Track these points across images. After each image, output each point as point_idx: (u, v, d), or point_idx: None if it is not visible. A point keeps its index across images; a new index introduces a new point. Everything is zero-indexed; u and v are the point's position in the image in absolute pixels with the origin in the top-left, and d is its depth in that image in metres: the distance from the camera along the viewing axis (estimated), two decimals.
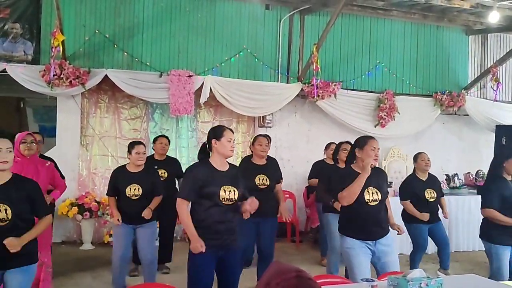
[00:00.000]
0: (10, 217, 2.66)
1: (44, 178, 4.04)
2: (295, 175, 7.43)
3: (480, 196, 5.40)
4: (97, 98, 6.95)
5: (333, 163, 5.28)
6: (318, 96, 7.23)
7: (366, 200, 3.37)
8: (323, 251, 5.89)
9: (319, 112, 7.63)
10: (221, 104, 7.04)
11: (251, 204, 3.16)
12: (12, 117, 9.54)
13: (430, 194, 5.05)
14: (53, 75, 6.06)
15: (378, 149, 3.45)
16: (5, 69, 6.08)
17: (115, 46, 6.74)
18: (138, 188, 4.30)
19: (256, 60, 7.36)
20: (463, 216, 6.76)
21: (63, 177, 4.68)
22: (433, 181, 5.22)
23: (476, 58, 8.72)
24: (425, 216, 4.99)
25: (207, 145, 3.19)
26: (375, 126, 7.75)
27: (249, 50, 7.32)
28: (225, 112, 7.38)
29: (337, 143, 5.30)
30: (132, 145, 4.42)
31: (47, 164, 4.22)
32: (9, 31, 6.35)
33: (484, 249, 4.44)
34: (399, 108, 7.76)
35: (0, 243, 2.64)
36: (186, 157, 7.35)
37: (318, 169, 5.99)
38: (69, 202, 6.31)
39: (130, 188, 4.29)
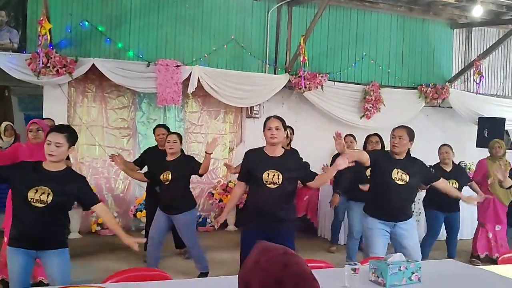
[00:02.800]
0: (49, 202, 2.80)
1: None
2: None
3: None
4: (84, 87, 6.93)
5: None
6: (305, 87, 7.30)
7: (393, 178, 3.64)
8: (333, 239, 6.23)
9: (306, 103, 7.70)
10: (209, 94, 7.07)
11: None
12: None
13: (451, 184, 5.20)
14: (40, 63, 6.01)
15: (400, 137, 3.69)
16: None
17: (102, 35, 6.72)
18: (169, 175, 4.51)
19: (244, 50, 7.39)
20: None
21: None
22: (457, 173, 5.43)
23: (460, 52, 8.87)
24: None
25: None
26: (360, 118, 7.86)
27: (237, 41, 7.35)
28: (213, 103, 7.42)
29: (353, 134, 5.93)
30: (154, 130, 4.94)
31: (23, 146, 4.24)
32: None
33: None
34: (385, 100, 7.88)
35: (36, 224, 2.79)
36: None
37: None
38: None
39: (164, 175, 4.52)
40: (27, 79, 6.23)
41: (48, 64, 6.08)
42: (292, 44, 7.48)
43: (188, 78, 6.77)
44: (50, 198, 2.80)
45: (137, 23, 6.90)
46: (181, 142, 4.74)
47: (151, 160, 5.09)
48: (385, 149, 5.17)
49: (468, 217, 6.46)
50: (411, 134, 3.78)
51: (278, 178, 3.28)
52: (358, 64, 8.06)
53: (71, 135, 2.96)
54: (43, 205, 2.79)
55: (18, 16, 6.39)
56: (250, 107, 7.49)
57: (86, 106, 6.97)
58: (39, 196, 2.78)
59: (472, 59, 8.52)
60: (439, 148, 5.52)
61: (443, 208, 5.35)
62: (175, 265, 5.20)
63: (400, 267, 2.45)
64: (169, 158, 4.60)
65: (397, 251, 3.68)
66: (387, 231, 3.75)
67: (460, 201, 5.40)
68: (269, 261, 1.19)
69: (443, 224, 5.55)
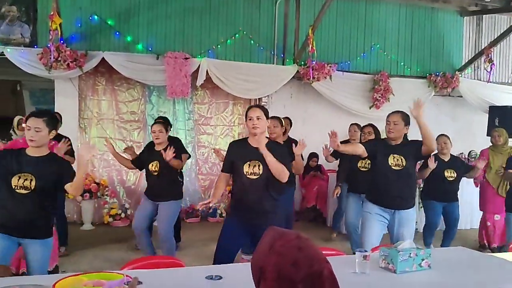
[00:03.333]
0: (32, 188, 2.86)
1: None
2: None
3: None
4: (94, 80, 7.00)
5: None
6: (314, 78, 7.30)
7: (390, 164, 3.66)
8: (334, 226, 6.32)
9: (314, 94, 7.70)
10: (217, 86, 7.09)
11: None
12: (8, 100, 9.55)
13: (449, 174, 5.22)
14: (52, 58, 6.08)
15: (394, 122, 3.71)
16: (2, 52, 6.11)
17: (112, 28, 6.77)
18: (157, 164, 4.53)
19: (252, 42, 7.40)
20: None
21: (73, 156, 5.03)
22: (455, 163, 5.40)
23: (470, 40, 8.78)
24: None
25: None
26: (369, 108, 7.84)
27: (245, 32, 7.36)
28: (222, 94, 7.45)
29: (359, 124, 5.78)
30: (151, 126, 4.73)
31: (51, 144, 4.30)
32: (6, 14, 6.36)
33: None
34: (394, 89, 7.84)
35: (21, 211, 2.85)
36: (184, 139, 7.42)
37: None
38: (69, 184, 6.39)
39: (152, 165, 4.57)
40: (39, 73, 6.31)
41: (59, 58, 6.15)
42: (300, 35, 7.46)
43: (197, 70, 6.79)
44: (34, 183, 2.85)
45: (146, 16, 6.94)
46: (167, 131, 4.81)
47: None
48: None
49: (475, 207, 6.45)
50: (406, 119, 3.77)
51: (259, 169, 3.21)
52: (367, 54, 8.03)
53: (50, 120, 2.98)
54: (27, 192, 2.84)
55: (29, 11, 6.46)
56: (259, 99, 7.50)
57: (96, 99, 7.04)
58: (23, 182, 2.84)
59: (482, 47, 8.44)
60: (437, 138, 5.42)
61: (440, 198, 5.33)
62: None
63: (410, 253, 2.48)
64: (157, 148, 4.62)
65: (393, 239, 3.72)
66: (386, 218, 3.75)
67: (459, 192, 5.44)
68: (284, 245, 1.22)
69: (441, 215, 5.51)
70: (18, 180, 2.85)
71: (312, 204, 7.05)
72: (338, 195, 5.52)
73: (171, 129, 5.80)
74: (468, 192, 6.56)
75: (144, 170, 4.84)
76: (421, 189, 5.85)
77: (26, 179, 2.86)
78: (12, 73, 7.12)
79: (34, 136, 2.89)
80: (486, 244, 5.88)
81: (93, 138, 6.99)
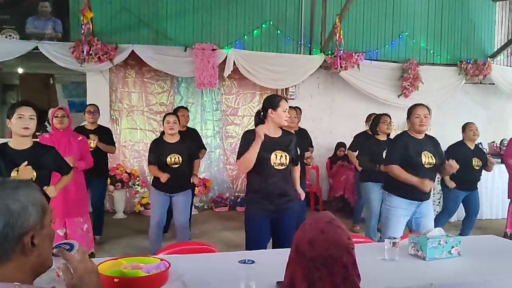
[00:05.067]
0: (34, 179, 2.94)
1: (75, 151, 4.34)
2: (318, 147, 7.53)
3: (503, 165, 5.49)
4: (125, 73, 7.16)
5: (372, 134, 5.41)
6: (341, 67, 7.26)
7: (423, 163, 3.59)
8: (356, 219, 6.19)
9: (342, 83, 7.67)
10: (244, 76, 7.15)
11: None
12: (42, 93, 9.84)
13: (476, 162, 5.16)
14: (84, 52, 6.25)
15: (425, 115, 3.61)
16: (36, 46, 6.32)
17: (141, 21, 6.89)
18: (178, 157, 4.46)
19: (279, 32, 7.41)
20: (487, 184, 6.79)
21: (114, 145, 5.43)
22: (479, 151, 5.35)
23: (503, 25, 8.54)
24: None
25: (261, 113, 3.31)
26: (398, 96, 7.76)
27: (271, 22, 7.37)
28: (249, 85, 7.50)
29: (374, 114, 5.58)
30: (164, 117, 4.58)
31: (79, 138, 4.46)
32: (40, 9, 6.57)
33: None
34: (423, 78, 7.73)
35: None
36: (212, 129, 7.55)
37: (360, 140, 5.84)
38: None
39: (171, 158, 4.43)
40: (71, 66, 6.50)
41: (91, 52, 6.32)
42: (327, 24, 7.42)
43: (224, 61, 6.86)
44: (34, 174, 2.93)
45: (174, 8, 7.05)
46: (185, 120, 4.87)
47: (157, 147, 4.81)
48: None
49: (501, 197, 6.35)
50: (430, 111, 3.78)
51: (286, 159, 3.22)
52: (395, 42, 7.93)
53: (36, 108, 3.03)
54: None
55: (61, 6, 6.65)
56: (286, 89, 7.53)
57: (126, 91, 7.20)
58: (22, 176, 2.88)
59: None
60: (466, 125, 5.29)
61: (465, 187, 5.21)
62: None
63: (439, 241, 2.48)
64: (172, 140, 4.48)
65: (412, 227, 3.71)
66: (411, 211, 3.68)
67: (485, 183, 5.31)
68: (312, 224, 1.33)
69: (461, 204, 5.41)
70: (17, 174, 2.89)
71: (340, 194, 7.06)
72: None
73: (196, 119, 5.83)
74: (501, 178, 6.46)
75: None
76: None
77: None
78: (45, 66, 7.35)
79: (29, 124, 2.94)
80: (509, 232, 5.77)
81: (124, 129, 7.17)
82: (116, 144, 7.05)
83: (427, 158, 3.62)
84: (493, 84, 8.20)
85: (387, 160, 3.81)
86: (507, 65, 8.45)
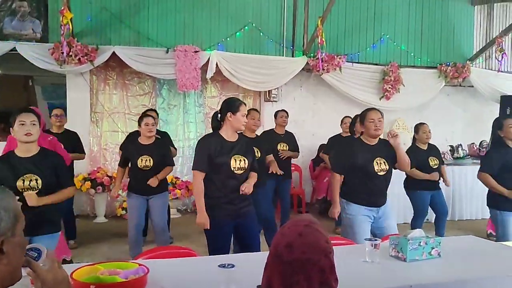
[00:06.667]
0: (40, 187, 2.86)
1: None
2: (301, 148, 7.44)
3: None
4: (105, 75, 7.06)
5: (349, 134, 5.45)
6: (323, 69, 7.29)
7: (376, 170, 3.52)
8: (338, 221, 6.11)
9: (324, 86, 7.70)
10: (227, 79, 7.13)
11: (245, 190, 3.16)
12: (20, 95, 9.69)
13: (433, 162, 5.19)
14: (64, 53, 6.15)
15: (379, 119, 3.54)
16: (14, 47, 6.19)
17: (122, 22, 6.82)
18: (150, 160, 4.40)
19: (261, 34, 7.41)
20: (467, 185, 6.91)
21: (83, 152, 5.30)
22: (433, 150, 5.32)
23: (481, 29, 8.69)
24: (435, 176, 5.13)
25: (219, 115, 3.21)
26: (380, 99, 7.82)
27: (254, 24, 7.37)
28: (231, 87, 7.47)
29: (351, 116, 5.63)
30: (141, 118, 4.53)
31: (49, 139, 4.36)
32: (17, 9, 6.44)
33: (487, 217, 4.53)
34: (404, 80, 7.81)
35: (30, 210, 2.80)
36: (194, 131, 7.50)
37: (334, 143, 5.97)
38: (82, 177, 6.49)
39: (142, 160, 4.40)
40: (51, 68, 6.39)
41: (70, 53, 6.22)
42: (309, 26, 7.45)
43: (207, 64, 6.83)
44: (40, 182, 2.86)
45: (155, 9, 6.98)
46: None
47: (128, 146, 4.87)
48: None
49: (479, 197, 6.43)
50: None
51: (245, 163, 3.17)
52: (377, 45, 8.00)
53: (37, 113, 2.98)
54: (35, 192, 2.83)
55: (39, 6, 6.54)
56: (268, 91, 7.52)
57: (107, 93, 7.11)
58: (28, 184, 2.83)
59: (493, 36, 8.35)
60: (420, 126, 5.25)
61: (425, 187, 5.18)
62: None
63: (420, 242, 2.50)
64: (146, 142, 4.46)
65: (377, 234, 3.52)
66: (373, 216, 3.60)
67: (476, 182, 5.34)
68: (290, 228, 1.32)
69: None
70: (24, 183, 2.84)
71: (322, 196, 7.08)
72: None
73: (178, 121, 5.79)
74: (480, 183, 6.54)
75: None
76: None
77: (31, 180, 2.86)
78: (24, 68, 7.20)
79: (31, 130, 2.87)
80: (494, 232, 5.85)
81: (104, 132, 7.07)
82: (96, 147, 7.02)
83: (379, 165, 3.55)
84: (472, 86, 8.34)
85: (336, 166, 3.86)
86: (485, 68, 8.59)
